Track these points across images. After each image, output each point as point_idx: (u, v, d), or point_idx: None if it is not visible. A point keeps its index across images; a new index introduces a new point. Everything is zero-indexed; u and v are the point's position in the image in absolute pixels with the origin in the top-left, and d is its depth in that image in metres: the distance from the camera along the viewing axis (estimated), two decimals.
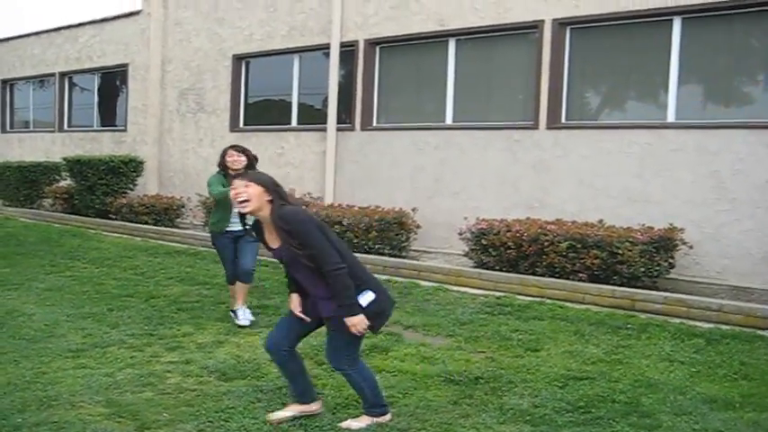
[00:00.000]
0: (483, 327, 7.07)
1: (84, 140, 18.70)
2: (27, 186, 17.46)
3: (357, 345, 4.44)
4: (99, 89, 18.99)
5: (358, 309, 4.20)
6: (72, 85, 19.87)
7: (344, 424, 4.48)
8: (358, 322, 4.19)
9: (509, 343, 6.49)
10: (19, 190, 17.60)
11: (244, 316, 7.09)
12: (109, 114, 18.78)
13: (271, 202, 4.32)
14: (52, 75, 20.02)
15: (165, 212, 14.02)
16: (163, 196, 14.80)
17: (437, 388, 5.25)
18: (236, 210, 6.70)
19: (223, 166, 7.25)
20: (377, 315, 4.31)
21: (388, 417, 4.55)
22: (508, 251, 9.12)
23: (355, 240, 10.50)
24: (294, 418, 4.52)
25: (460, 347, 6.36)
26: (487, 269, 9.34)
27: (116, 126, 18.17)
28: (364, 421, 4.48)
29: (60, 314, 7.26)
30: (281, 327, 4.63)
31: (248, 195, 4.31)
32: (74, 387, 5.13)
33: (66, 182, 16.73)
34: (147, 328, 6.82)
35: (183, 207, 14.39)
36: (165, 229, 13.58)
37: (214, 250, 11.43)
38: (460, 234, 9.90)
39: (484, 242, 9.38)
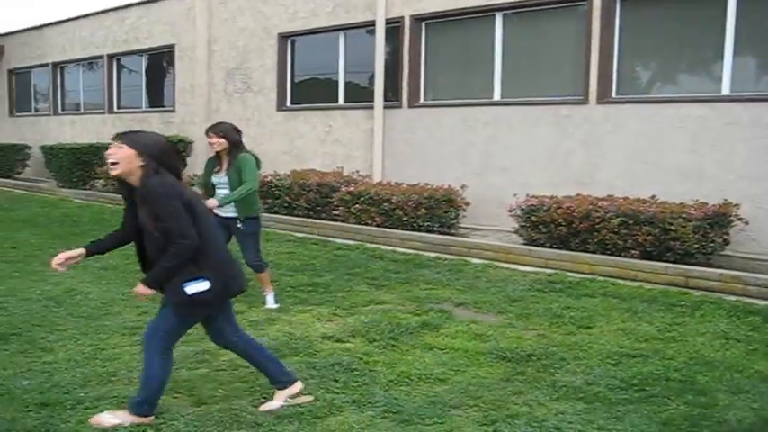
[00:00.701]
0: (534, 304, 7.04)
1: (133, 121, 18.92)
2: (80, 168, 17.75)
3: (180, 334, 4.29)
4: (147, 70, 19.19)
5: (156, 284, 4.01)
6: (120, 66, 20.11)
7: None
8: (142, 292, 4.04)
9: (561, 320, 6.45)
10: (72, 171, 17.90)
11: (269, 301, 7.00)
12: (157, 95, 18.97)
13: (143, 167, 3.93)
14: (101, 57, 20.27)
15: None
16: None
17: (489, 365, 5.24)
18: (219, 190, 6.77)
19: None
20: (195, 303, 4.02)
21: (150, 419, 4.17)
22: (559, 228, 9.05)
23: (404, 218, 10.50)
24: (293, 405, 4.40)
25: (512, 325, 6.34)
26: (538, 246, 9.28)
27: (164, 107, 18.36)
28: (121, 417, 4.13)
29: (116, 292, 7.38)
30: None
31: (117, 158, 3.93)
32: (131, 363, 5.23)
33: None
34: None
35: None
36: None
37: (266, 228, 11.61)
38: (510, 211, 9.84)
39: (534, 219, 9.31)
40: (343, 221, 11.34)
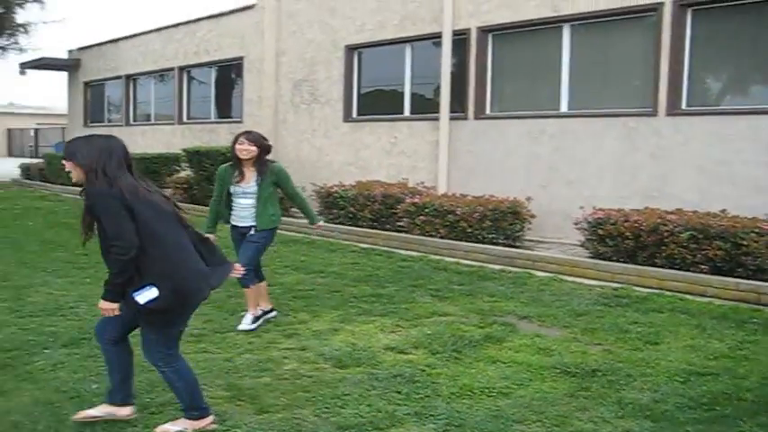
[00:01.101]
0: (600, 318, 6.92)
1: (202, 132, 19.25)
2: (150, 176, 18.04)
3: (170, 340, 4.14)
4: (216, 82, 19.51)
5: (112, 295, 3.92)
6: (190, 78, 20.49)
7: (160, 428, 4.18)
8: (105, 308, 3.94)
9: (627, 336, 6.32)
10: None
11: (243, 322, 6.54)
12: (225, 106, 19.27)
13: (86, 174, 3.95)
14: (171, 69, 20.69)
15: (279, 202, 14.23)
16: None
17: (553, 380, 5.17)
18: (239, 200, 6.57)
19: (233, 154, 6.56)
20: (153, 312, 3.92)
21: (208, 420, 4.23)
22: (626, 241, 8.89)
23: (469, 230, 10.45)
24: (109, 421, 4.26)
25: (576, 339, 6.25)
26: (604, 260, 9.13)
27: (232, 117, 18.63)
28: (180, 425, 4.19)
29: None
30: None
31: (69, 169, 4.03)
32: (196, 370, 5.23)
33: (185, 172, 17.25)
34: None
35: None
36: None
37: (330, 239, 11.70)
38: (576, 224, 9.72)
39: (600, 232, 9.17)
40: (407, 233, 11.34)
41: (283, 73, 16.62)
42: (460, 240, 10.53)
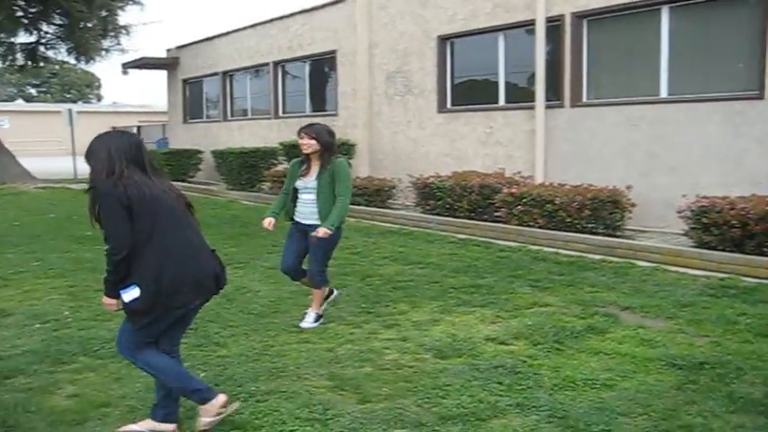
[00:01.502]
0: (706, 309, 6.73)
1: (298, 125, 19.31)
2: (247, 170, 18.50)
3: (141, 335, 3.99)
4: (310, 76, 19.73)
5: (111, 290, 3.90)
6: (285, 73, 20.77)
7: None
8: (106, 303, 3.96)
9: (736, 327, 6.13)
10: (240, 174, 18.67)
11: (306, 319, 6.47)
12: (320, 100, 19.47)
13: (96, 172, 3.94)
14: (266, 64, 21.01)
15: (376, 194, 14.36)
16: (374, 178, 15.17)
17: (658, 372, 5.05)
18: (303, 195, 6.34)
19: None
20: (135, 312, 3.88)
21: (221, 397, 4.12)
22: (732, 230, 8.61)
23: (568, 220, 10.31)
24: None
25: (682, 330, 6.09)
26: (709, 249, 8.86)
27: (327, 111, 18.80)
28: (205, 413, 4.10)
29: (283, 291, 7.64)
30: None
31: (90, 169, 4.00)
32: (299, 360, 5.41)
33: (282, 165, 17.53)
34: (364, 305, 7.05)
35: (394, 188, 14.67)
36: (377, 209, 13.92)
37: (428, 230, 11.71)
38: (679, 212, 9.46)
39: (705, 221, 8.91)
40: (504, 223, 11.25)
41: (376, 65, 16.69)
42: (559, 230, 10.39)
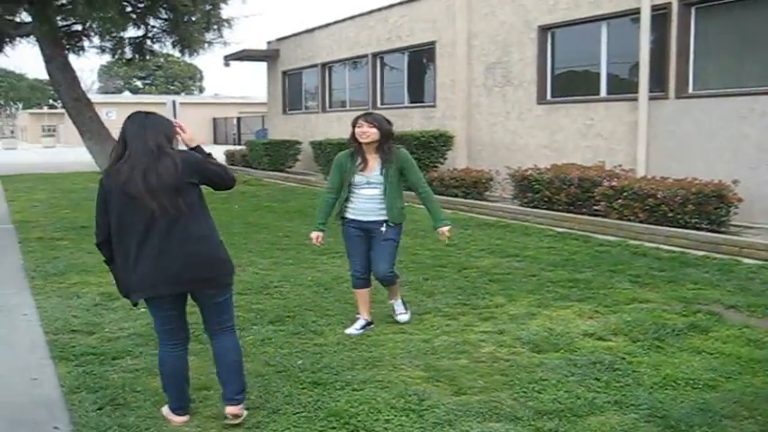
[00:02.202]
0: None
1: (395, 117, 19.45)
2: None
3: (158, 324, 4.20)
4: (408, 67, 19.74)
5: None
6: (383, 64, 20.84)
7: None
8: None
9: None
10: None
11: (400, 309, 6.25)
12: (417, 91, 19.47)
13: None
14: (365, 56, 21.13)
15: (474, 185, 14.29)
16: (472, 170, 15.08)
17: (765, 374, 4.86)
18: (363, 191, 5.86)
19: (353, 137, 5.91)
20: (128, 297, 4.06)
21: (179, 418, 4.20)
22: None
23: (670, 214, 10.03)
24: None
25: None
26: None
27: (425, 102, 18.79)
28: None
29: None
30: None
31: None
32: (395, 350, 5.43)
33: None
34: (460, 297, 7.03)
35: (491, 180, 14.56)
36: (474, 201, 13.86)
37: (525, 223, 11.58)
38: None
39: None
40: (604, 217, 11.03)
41: (475, 56, 16.57)
42: (661, 225, 10.12)
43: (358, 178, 5.84)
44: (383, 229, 5.82)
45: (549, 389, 4.60)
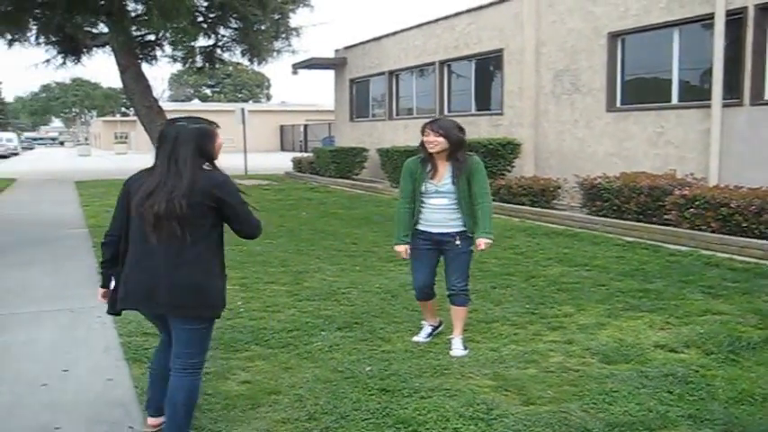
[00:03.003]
0: None
1: (462, 125, 19.44)
2: None
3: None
4: (475, 75, 19.68)
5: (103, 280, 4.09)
6: (450, 72, 20.82)
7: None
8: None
9: None
10: None
11: (456, 346, 5.68)
12: (485, 99, 19.40)
13: None
14: (432, 63, 21.13)
15: (541, 194, 14.17)
16: (540, 178, 14.96)
17: None
18: (432, 200, 5.59)
19: (422, 145, 5.65)
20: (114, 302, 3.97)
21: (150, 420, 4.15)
22: None
23: (744, 224, 9.79)
24: None
25: None
26: None
27: (492, 110, 18.70)
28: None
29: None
30: None
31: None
32: (463, 358, 5.41)
33: None
34: (528, 306, 6.97)
35: (559, 188, 14.41)
36: (541, 210, 13.73)
37: (594, 231, 11.43)
38: None
39: None
40: (675, 226, 10.82)
41: (543, 63, 16.44)
42: (734, 235, 9.88)
43: (428, 186, 5.60)
44: (458, 242, 5.55)
45: (620, 401, 4.53)
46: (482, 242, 5.52)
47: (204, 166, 3.80)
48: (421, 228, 5.66)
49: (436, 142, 5.49)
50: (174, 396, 3.84)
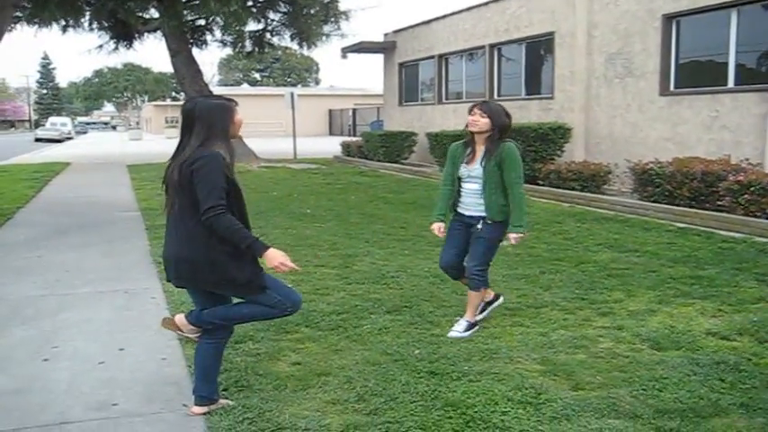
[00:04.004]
0: None
1: (512, 109, 19.02)
2: None
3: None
4: (526, 58, 19.51)
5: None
6: (500, 55, 20.66)
7: None
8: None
9: None
10: None
11: (457, 327, 5.75)
12: (535, 83, 19.22)
13: None
14: (482, 47, 20.99)
15: (591, 179, 14.03)
16: (590, 163, 14.81)
17: None
18: (465, 184, 5.65)
19: (467, 125, 5.65)
20: None
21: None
22: None
23: None
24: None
25: None
26: None
27: (542, 94, 18.54)
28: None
29: (495, 274, 7.60)
30: None
31: None
32: (511, 343, 5.42)
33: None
34: (577, 291, 6.93)
35: (610, 173, 14.25)
36: (591, 195, 13.60)
37: (645, 217, 11.29)
38: None
39: None
40: (728, 212, 10.65)
41: (595, 46, 16.23)
42: None
43: (462, 170, 5.68)
44: (479, 226, 5.60)
45: (670, 387, 4.49)
46: (512, 237, 5.57)
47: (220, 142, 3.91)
48: (459, 210, 5.78)
49: (480, 123, 5.50)
50: (197, 356, 4.27)
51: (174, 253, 3.97)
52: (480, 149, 5.59)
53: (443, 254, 5.89)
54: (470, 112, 5.58)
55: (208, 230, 3.81)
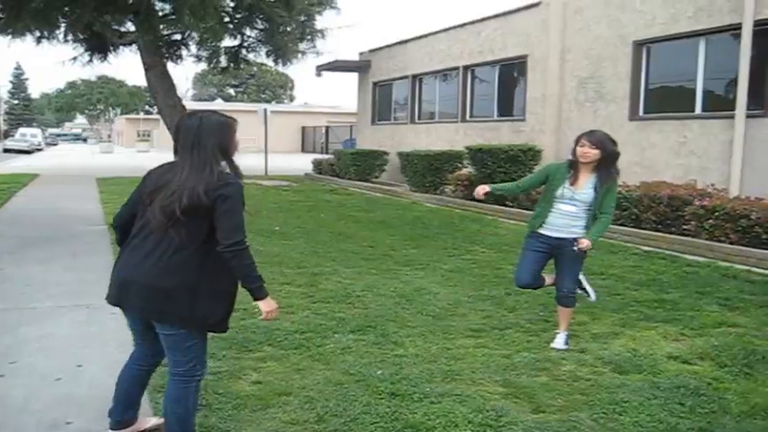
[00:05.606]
0: None
1: (484, 130, 19.47)
2: (432, 173, 18.64)
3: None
4: (499, 80, 19.65)
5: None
6: (474, 77, 20.80)
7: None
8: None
9: None
10: (425, 176, 18.84)
11: (558, 341, 5.93)
12: (507, 105, 19.35)
13: None
14: (456, 68, 21.12)
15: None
16: None
17: None
18: (562, 205, 5.68)
19: (573, 154, 5.73)
20: None
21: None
22: None
23: (764, 236, 9.72)
24: None
25: None
26: None
27: (514, 116, 18.67)
28: None
29: (461, 295, 7.65)
30: None
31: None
32: (474, 365, 5.41)
33: (466, 169, 17.55)
34: (542, 314, 6.93)
35: None
36: None
37: (611, 240, 11.34)
38: None
39: None
40: (693, 237, 10.75)
41: (568, 70, 16.39)
42: (754, 247, 9.81)
43: (564, 191, 5.70)
44: (575, 247, 5.57)
45: (631, 411, 4.51)
46: (584, 242, 5.55)
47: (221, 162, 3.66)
48: (542, 231, 5.83)
49: (590, 154, 5.62)
50: (165, 405, 3.83)
51: (142, 277, 3.58)
52: (586, 175, 5.69)
53: (521, 273, 5.99)
54: (578, 142, 5.70)
55: (201, 260, 3.54)
